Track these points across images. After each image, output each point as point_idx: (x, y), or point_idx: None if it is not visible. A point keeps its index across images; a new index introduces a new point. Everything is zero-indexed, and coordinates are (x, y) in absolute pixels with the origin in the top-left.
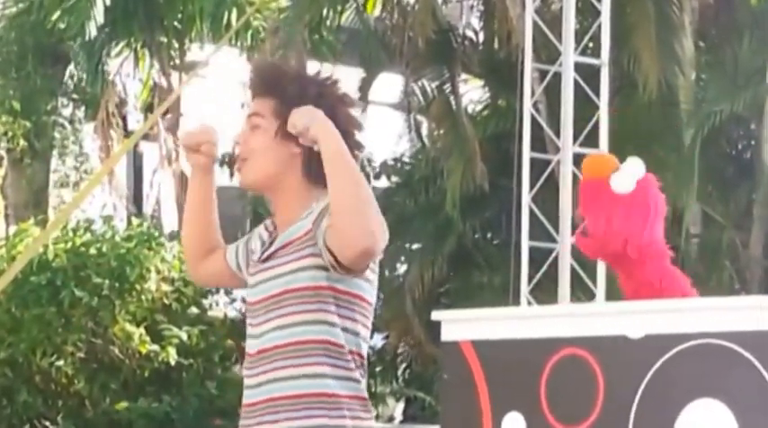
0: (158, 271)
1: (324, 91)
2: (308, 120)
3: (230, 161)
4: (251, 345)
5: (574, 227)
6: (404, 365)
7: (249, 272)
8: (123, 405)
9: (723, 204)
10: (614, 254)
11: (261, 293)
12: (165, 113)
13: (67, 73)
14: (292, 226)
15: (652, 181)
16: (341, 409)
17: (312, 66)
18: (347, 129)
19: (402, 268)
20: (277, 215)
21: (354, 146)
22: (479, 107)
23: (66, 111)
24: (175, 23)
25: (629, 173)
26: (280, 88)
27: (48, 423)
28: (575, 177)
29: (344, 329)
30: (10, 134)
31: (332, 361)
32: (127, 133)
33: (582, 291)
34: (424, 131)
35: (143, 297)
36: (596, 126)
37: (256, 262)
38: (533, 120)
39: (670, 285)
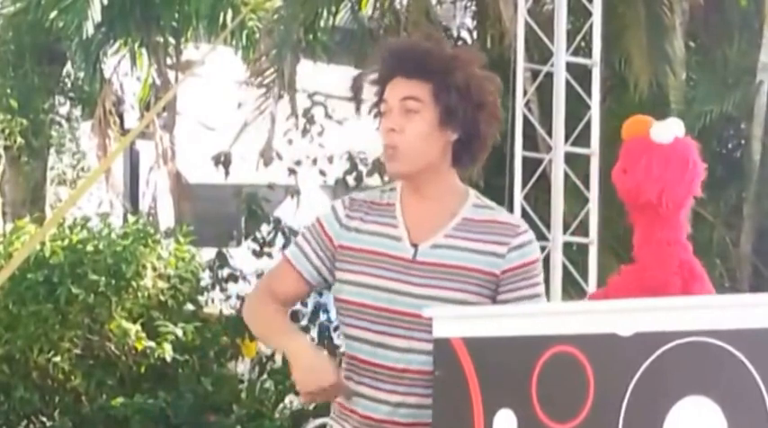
0: (154, 269)
1: (463, 70)
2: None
3: (225, 160)
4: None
5: (565, 226)
6: None
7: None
8: (119, 400)
9: (713, 203)
10: (646, 204)
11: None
12: (161, 112)
13: (65, 71)
14: (451, 238)
15: (692, 142)
16: None
17: (305, 66)
18: (480, 100)
19: None
20: (417, 203)
21: (491, 115)
22: None
23: (64, 110)
24: (172, 23)
25: (669, 126)
26: (437, 72)
27: (44, 419)
28: (566, 176)
29: None
30: (7, 132)
31: None
32: (123, 131)
33: (573, 289)
34: None
35: (139, 294)
36: (588, 125)
37: (404, 260)
38: (525, 120)
39: (686, 258)
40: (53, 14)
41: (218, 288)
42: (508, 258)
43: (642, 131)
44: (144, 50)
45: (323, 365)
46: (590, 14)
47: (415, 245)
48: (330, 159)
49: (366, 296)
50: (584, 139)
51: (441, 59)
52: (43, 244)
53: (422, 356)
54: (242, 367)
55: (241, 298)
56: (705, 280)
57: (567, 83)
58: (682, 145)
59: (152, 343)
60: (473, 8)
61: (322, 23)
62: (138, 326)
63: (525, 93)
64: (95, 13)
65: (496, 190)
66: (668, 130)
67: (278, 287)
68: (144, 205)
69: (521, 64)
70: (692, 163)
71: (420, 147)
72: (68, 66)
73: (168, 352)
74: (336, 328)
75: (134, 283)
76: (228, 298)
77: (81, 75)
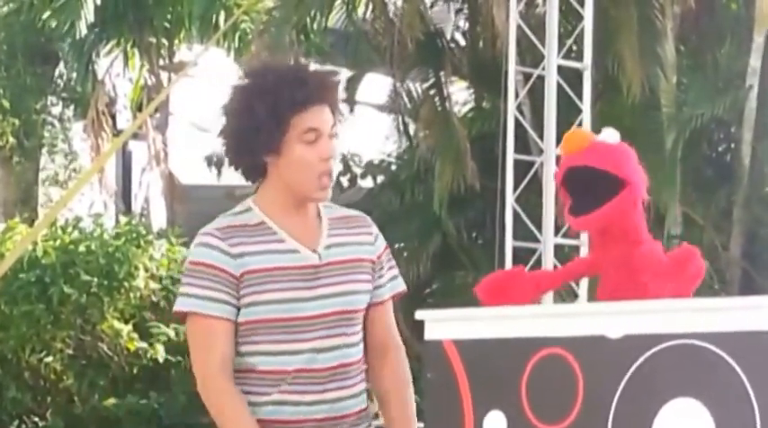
0: (146, 269)
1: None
2: None
3: (217, 161)
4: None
5: (557, 228)
6: None
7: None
8: (112, 401)
9: (703, 206)
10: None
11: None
12: (153, 113)
13: (57, 72)
14: (335, 237)
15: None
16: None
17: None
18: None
19: None
20: (291, 216)
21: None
22: (464, 109)
23: (56, 110)
24: (165, 24)
25: (612, 133)
26: (335, 101)
27: (37, 419)
28: None
29: None
30: None
31: None
32: (116, 132)
33: (564, 292)
34: (411, 132)
35: (131, 294)
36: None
37: (306, 270)
38: (517, 123)
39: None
40: (46, 15)
41: None
42: (377, 245)
43: (583, 145)
44: (137, 51)
45: None
46: (582, 18)
47: (314, 251)
48: None
49: (278, 310)
50: None
51: (337, 87)
52: (35, 244)
53: (353, 348)
54: None
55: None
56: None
57: (559, 86)
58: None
59: (144, 344)
60: (466, 11)
61: (315, 25)
62: (130, 327)
63: (517, 95)
64: (88, 14)
65: (489, 192)
66: (613, 136)
67: (227, 350)
68: (136, 206)
69: (513, 67)
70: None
71: None
72: (61, 66)
73: (160, 352)
74: None
75: (126, 284)
76: None
77: (74, 75)
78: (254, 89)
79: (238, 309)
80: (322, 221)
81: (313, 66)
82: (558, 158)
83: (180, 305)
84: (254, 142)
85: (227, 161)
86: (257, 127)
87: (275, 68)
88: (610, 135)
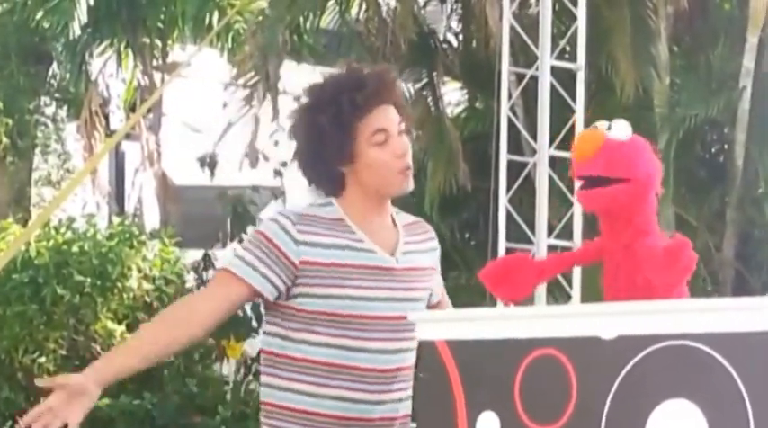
0: (140, 270)
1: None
2: None
3: (210, 162)
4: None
5: (550, 229)
6: None
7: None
8: (104, 401)
9: (697, 207)
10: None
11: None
12: (146, 113)
13: (50, 72)
14: (409, 244)
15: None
16: None
17: (291, 68)
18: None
19: None
20: (369, 217)
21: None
22: (457, 109)
23: (49, 110)
24: (158, 24)
25: (624, 126)
26: (397, 98)
27: None
28: (551, 180)
29: None
30: None
31: None
32: (109, 132)
33: (558, 293)
34: None
35: (124, 295)
36: (572, 129)
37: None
38: (510, 123)
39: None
40: (39, 15)
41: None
42: (436, 252)
43: (598, 143)
44: (130, 51)
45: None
46: (575, 18)
47: (392, 255)
48: None
49: (348, 307)
50: (568, 143)
51: (397, 83)
52: (28, 244)
53: (411, 353)
54: (227, 368)
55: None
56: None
57: (552, 86)
58: (638, 142)
59: None
60: (459, 11)
61: (308, 25)
62: (123, 327)
63: (510, 96)
64: (81, 14)
65: (482, 193)
66: (624, 128)
67: (221, 313)
68: (129, 206)
69: (506, 67)
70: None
71: None
72: (54, 66)
73: None
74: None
75: (119, 285)
76: None
77: (67, 75)
78: (314, 104)
79: (278, 290)
80: (397, 227)
81: (367, 68)
82: (551, 159)
83: (228, 264)
84: (325, 155)
85: (307, 182)
86: (324, 139)
87: (331, 79)
88: (621, 129)
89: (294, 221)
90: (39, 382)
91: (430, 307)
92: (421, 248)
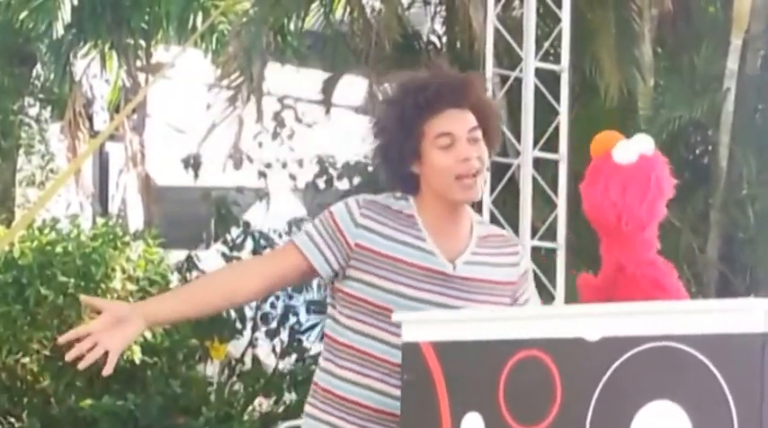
0: (123, 271)
1: (484, 95)
2: None
3: (194, 163)
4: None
5: (533, 231)
6: None
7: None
8: (88, 402)
9: (680, 208)
10: (608, 226)
11: None
12: (130, 114)
13: (34, 73)
14: (478, 255)
15: (659, 159)
16: None
17: (276, 69)
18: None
19: None
20: (442, 219)
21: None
22: None
23: (33, 111)
24: (142, 25)
25: (633, 145)
26: (475, 100)
27: (13, 420)
28: (535, 181)
29: None
30: None
31: None
32: (93, 133)
33: (541, 294)
34: None
35: (108, 296)
36: (556, 131)
37: (436, 273)
38: None
39: (648, 273)
40: (23, 15)
41: None
42: (521, 266)
43: (607, 148)
44: (114, 52)
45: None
46: (559, 20)
47: (451, 261)
48: (300, 163)
49: (393, 302)
50: (552, 145)
51: (475, 88)
52: (12, 245)
53: None
54: (211, 369)
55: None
56: (670, 290)
57: (536, 88)
58: (644, 165)
59: None
60: (443, 13)
61: (292, 27)
62: None
63: (494, 98)
64: (65, 15)
65: None
66: (631, 150)
67: (277, 277)
68: (113, 207)
69: (490, 69)
70: (655, 183)
71: (485, 171)
72: (38, 67)
73: (137, 354)
74: (305, 331)
75: (103, 285)
76: None
77: (51, 76)
78: (390, 107)
79: (334, 271)
80: (472, 237)
81: (449, 70)
82: (535, 161)
83: (294, 237)
84: (393, 155)
85: (392, 190)
86: (391, 139)
87: (403, 80)
88: (639, 141)
89: (361, 205)
90: (84, 300)
91: None
92: (493, 261)
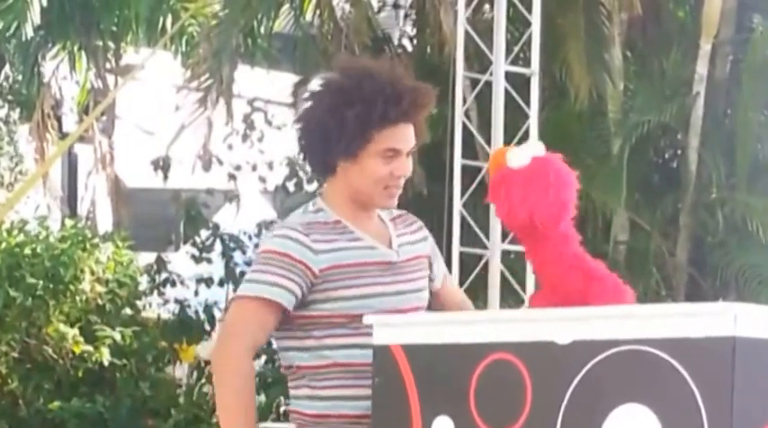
0: (92, 273)
1: (428, 107)
2: None
3: (164, 164)
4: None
5: (504, 234)
6: None
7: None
8: (57, 404)
9: (650, 212)
10: (524, 227)
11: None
12: (99, 116)
13: (3, 74)
14: (402, 236)
15: (553, 156)
16: None
17: (245, 71)
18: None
19: None
20: (361, 216)
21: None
22: None
23: (2, 112)
24: (111, 27)
25: (524, 150)
26: (420, 114)
27: None
28: None
29: None
30: None
31: None
32: (62, 135)
33: (511, 297)
34: None
35: (77, 297)
36: (526, 134)
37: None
38: (465, 128)
39: (578, 265)
40: None
41: (156, 292)
42: (428, 240)
43: (501, 161)
44: (83, 54)
45: None
46: (529, 24)
47: (390, 248)
48: (270, 165)
49: (364, 306)
50: None
51: (431, 104)
52: None
53: None
54: (180, 371)
55: (179, 302)
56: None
57: (506, 92)
58: (539, 163)
59: (90, 348)
60: (413, 17)
61: (262, 29)
62: (75, 330)
63: (465, 101)
64: (34, 16)
65: (436, 197)
66: (522, 155)
67: (263, 336)
68: (82, 209)
69: (460, 72)
70: (555, 176)
71: None
72: (7, 68)
73: (106, 356)
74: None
75: (72, 287)
76: (167, 302)
77: (19, 77)
78: (347, 93)
79: (301, 302)
80: (385, 223)
81: (410, 79)
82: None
83: (244, 290)
84: (332, 145)
85: (300, 156)
86: (341, 132)
87: (373, 76)
88: (529, 147)
89: (303, 232)
90: None
91: (432, 293)
92: (413, 238)
